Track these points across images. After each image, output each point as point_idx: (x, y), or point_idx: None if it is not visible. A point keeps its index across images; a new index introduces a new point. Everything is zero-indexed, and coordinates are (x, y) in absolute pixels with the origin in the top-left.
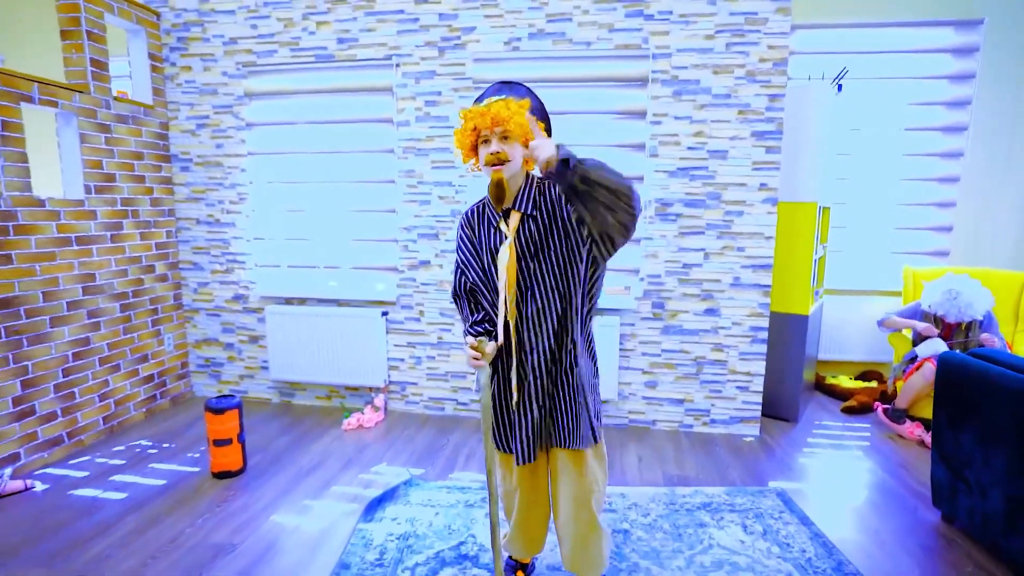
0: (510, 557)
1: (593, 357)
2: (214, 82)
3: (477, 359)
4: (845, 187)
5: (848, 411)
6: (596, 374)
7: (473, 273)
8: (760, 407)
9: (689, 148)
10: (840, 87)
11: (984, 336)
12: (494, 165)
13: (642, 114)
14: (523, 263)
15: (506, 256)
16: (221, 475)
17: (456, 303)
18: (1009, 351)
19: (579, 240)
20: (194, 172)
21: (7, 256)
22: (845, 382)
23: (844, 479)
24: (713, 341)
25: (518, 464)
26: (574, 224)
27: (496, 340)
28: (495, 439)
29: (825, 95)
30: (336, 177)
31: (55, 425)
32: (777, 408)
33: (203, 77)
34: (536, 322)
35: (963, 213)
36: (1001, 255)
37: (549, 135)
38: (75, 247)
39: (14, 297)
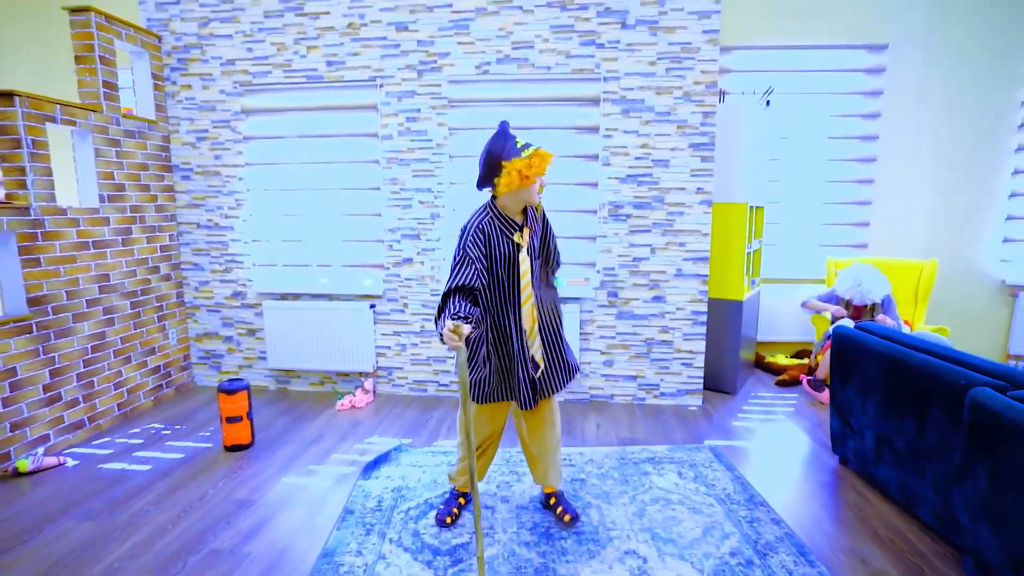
0: (455, 488)
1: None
2: (212, 99)
3: (455, 340)
4: (778, 188)
5: (781, 384)
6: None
7: (481, 274)
8: (702, 381)
9: (636, 158)
10: (768, 103)
11: (879, 316)
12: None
13: (595, 129)
14: (534, 260)
15: (525, 260)
16: (233, 448)
17: (449, 297)
18: (908, 328)
19: (544, 242)
20: (195, 181)
21: (36, 259)
22: (781, 360)
23: (768, 437)
24: (660, 324)
25: (523, 409)
26: (547, 233)
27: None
28: (498, 394)
29: (753, 110)
30: (327, 185)
31: (78, 410)
32: (718, 382)
33: (202, 95)
34: (543, 303)
35: (878, 211)
36: (909, 247)
37: None
38: (92, 250)
39: (43, 296)
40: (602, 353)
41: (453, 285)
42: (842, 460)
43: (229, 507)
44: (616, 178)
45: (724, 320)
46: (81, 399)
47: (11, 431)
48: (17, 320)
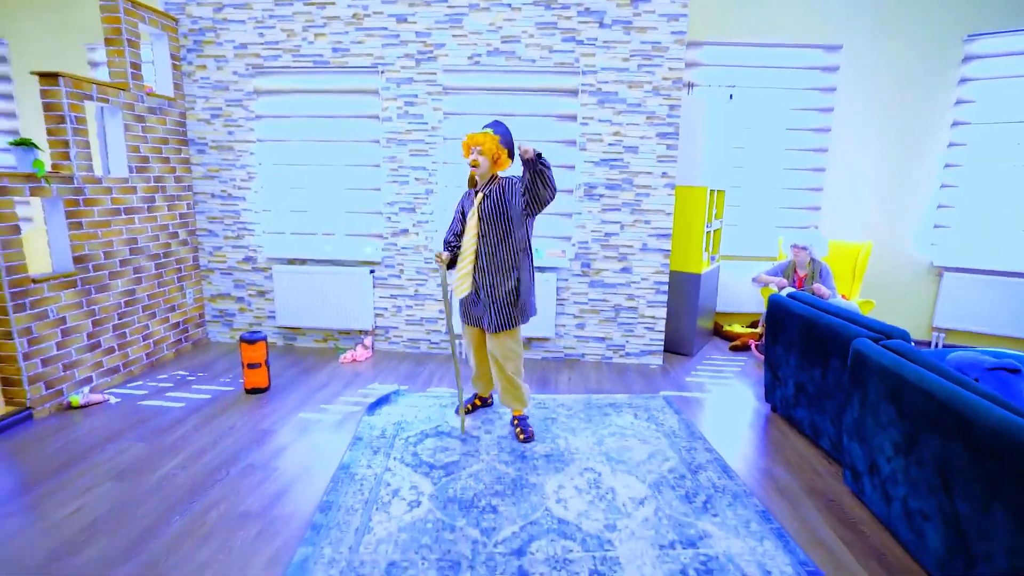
0: (474, 394)
1: (529, 286)
2: (226, 79)
3: (438, 260)
4: (740, 174)
5: (734, 349)
6: (531, 292)
7: (457, 224)
8: (663, 343)
9: (609, 144)
10: (731, 96)
11: (815, 286)
12: (472, 167)
13: (574, 118)
14: (483, 221)
15: (473, 216)
16: (253, 391)
17: (447, 234)
18: (843, 299)
19: (516, 210)
20: (209, 154)
21: (79, 223)
22: (738, 329)
23: (715, 390)
24: (627, 292)
25: (471, 326)
26: (516, 200)
27: (451, 253)
28: (464, 316)
29: (717, 103)
30: (331, 161)
31: (114, 357)
32: (677, 345)
33: (216, 75)
34: (489, 253)
35: (828, 196)
36: (854, 229)
37: (511, 151)
38: (123, 216)
39: (85, 255)
40: (575, 317)
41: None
42: (772, 408)
43: (256, 434)
44: (591, 162)
45: (684, 290)
46: (116, 347)
47: (63, 371)
48: (66, 276)
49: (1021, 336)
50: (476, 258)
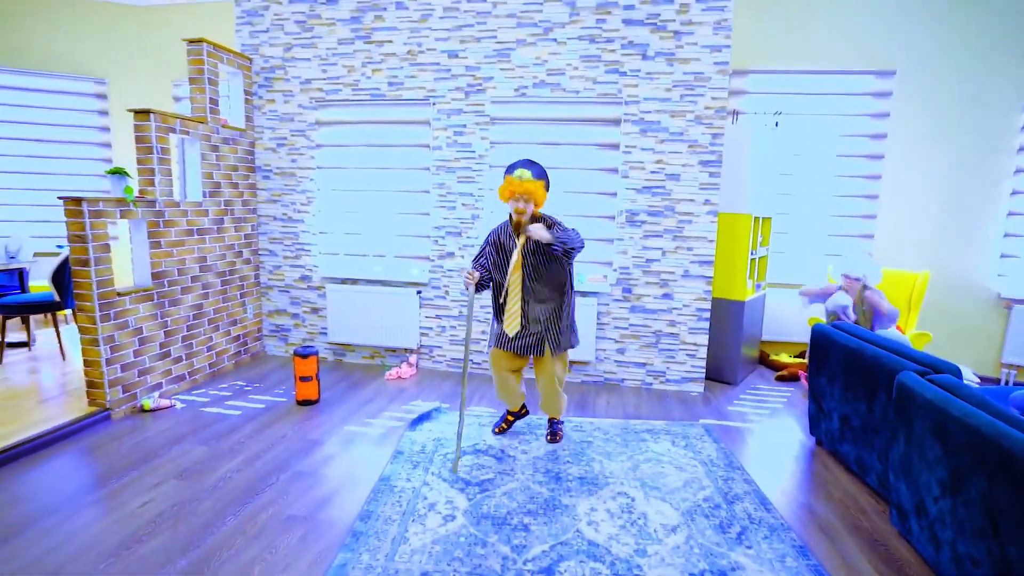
0: (506, 411)
1: (571, 309)
2: (291, 112)
3: (467, 279)
4: (788, 201)
5: (781, 379)
6: (572, 318)
7: (487, 259)
8: (704, 371)
9: (651, 172)
10: (777, 124)
11: (867, 293)
12: (518, 214)
13: (616, 146)
14: (526, 261)
15: (515, 257)
16: (303, 403)
17: (473, 263)
18: (897, 331)
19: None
20: (273, 180)
21: (158, 242)
22: (785, 358)
23: (758, 421)
24: (668, 319)
25: (512, 353)
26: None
27: (491, 289)
28: (504, 344)
29: (762, 130)
30: (384, 187)
31: (181, 366)
32: (720, 373)
33: (283, 108)
34: (538, 288)
35: (881, 224)
36: (910, 259)
37: (547, 190)
38: (195, 236)
39: (161, 271)
40: (616, 342)
41: (473, 261)
42: (818, 441)
43: (305, 444)
44: (633, 189)
45: (727, 318)
46: (184, 356)
47: (138, 376)
48: (145, 290)
49: None
50: (524, 294)
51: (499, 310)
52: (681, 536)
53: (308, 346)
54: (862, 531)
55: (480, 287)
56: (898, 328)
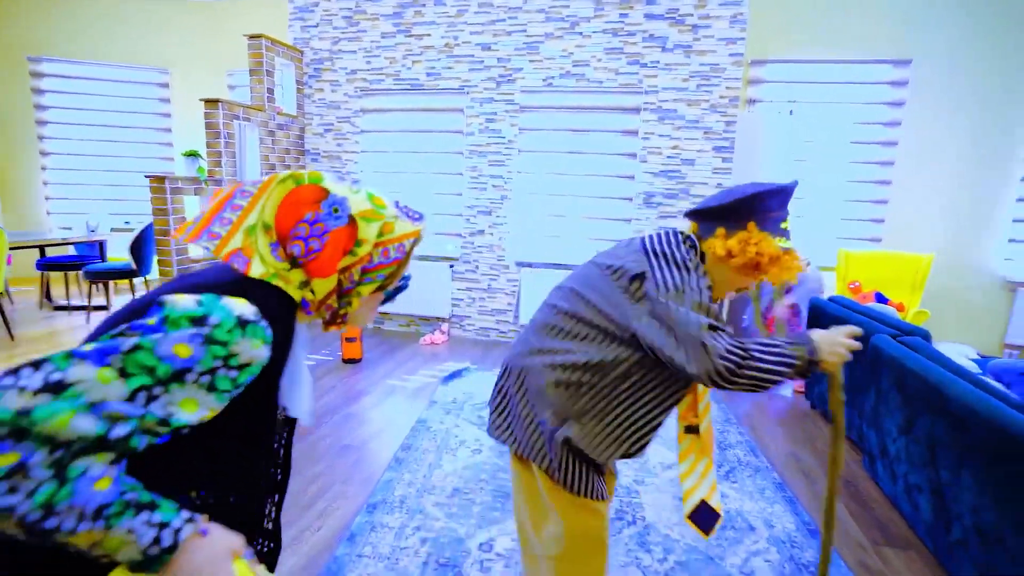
0: None
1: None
2: (338, 100)
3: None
4: (801, 186)
5: None
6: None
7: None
8: None
9: (668, 157)
10: (792, 112)
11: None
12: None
13: (635, 132)
14: None
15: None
16: (348, 361)
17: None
18: (892, 306)
19: None
20: (321, 163)
21: None
22: None
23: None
24: None
25: None
26: None
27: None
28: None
29: (777, 118)
30: (421, 169)
31: None
32: None
33: (331, 96)
34: None
35: (892, 209)
36: (920, 243)
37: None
38: None
39: None
40: None
41: (710, 322)
42: (812, 405)
43: (354, 393)
44: (651, 173)
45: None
46: None
47: None
48: (213, 259)
49: None
50: None
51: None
52: (674, 472)
53: None
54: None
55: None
56: (896, 306)
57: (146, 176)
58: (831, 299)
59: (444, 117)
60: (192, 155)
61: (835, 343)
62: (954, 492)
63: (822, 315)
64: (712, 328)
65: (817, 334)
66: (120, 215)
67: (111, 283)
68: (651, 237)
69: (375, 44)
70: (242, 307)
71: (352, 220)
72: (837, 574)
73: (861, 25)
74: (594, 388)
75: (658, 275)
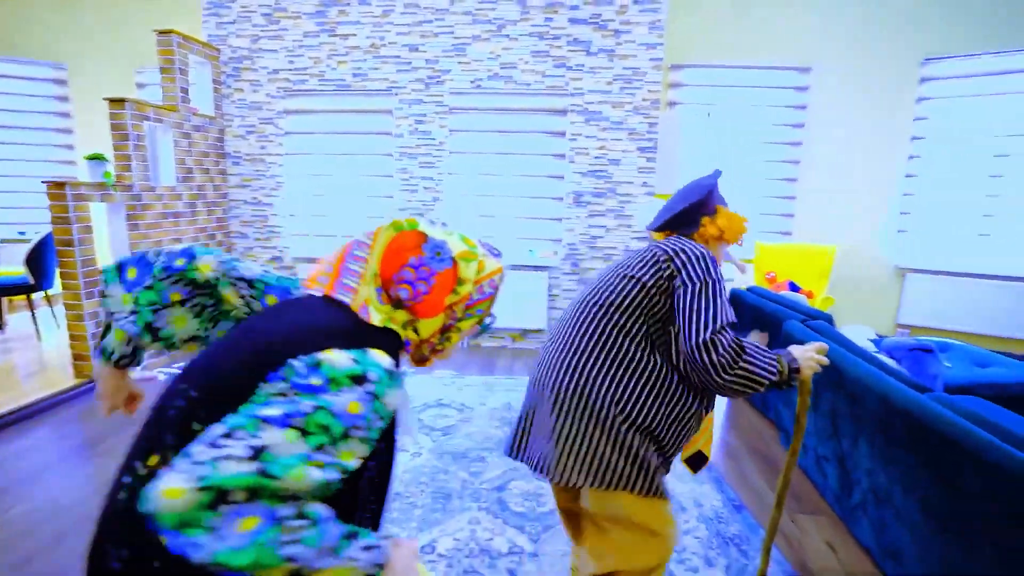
0: None
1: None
2: (260, 101)
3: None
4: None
5: None
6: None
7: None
8: None
9: (595, 157)
10: (709, 114)
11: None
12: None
13: (563, 134)
14: None
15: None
16: None
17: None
18: (803, 294)
19: None
20: (243, 166)
21: (136, 224)
22: None
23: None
24: None
25: None
26: None
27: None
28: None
29: (695, 119)
30: (350, 172)
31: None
32: None
33: (252, 97)
34: None
35: (800, 204)
36: (825, 234)
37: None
38: (170, 220)
39: None
40: None
41: (729, 319)
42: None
43: None
44: (579, 173)
45: None
46: None
47: None
48: None
49: (975, 331)
50: None
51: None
52: None
53: None
54: (759, 453)
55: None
56: (806, 293)
57: (43, 182)
58: (750, 289)
59: (372, 119)
60: (97, 159)
61: (809, 356)
62: (854, 460)
63: (741, 304)
64: (723, 328)
65: (794, 348)
66: (12, 224)
67: (3, 299)
68: (664, 243)
69: (298, 43)
70: (386, 360)
71: (454, 261)
72: (758, 542)
73: (768, 33)
74: (652, 391)
75: (690, 268)
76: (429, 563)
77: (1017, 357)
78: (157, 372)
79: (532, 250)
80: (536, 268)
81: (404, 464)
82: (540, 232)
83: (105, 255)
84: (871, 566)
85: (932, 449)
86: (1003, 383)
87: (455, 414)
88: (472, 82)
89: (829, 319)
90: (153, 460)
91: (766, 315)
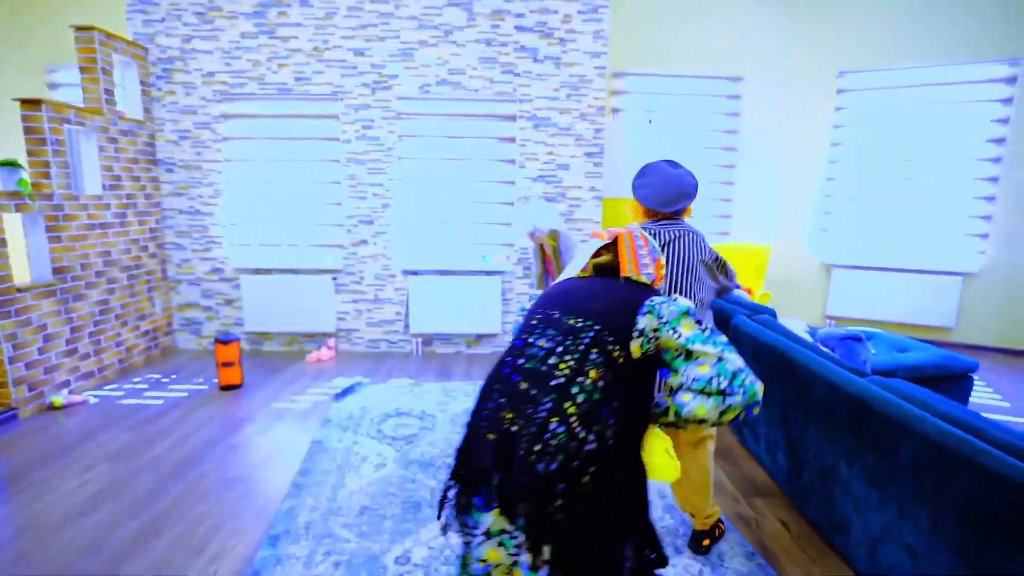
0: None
1: None
2: (194, 104)
3: None
4: None
5: None
6: None
7: None
8: None
9: (545, 162)
10: (651, 121)
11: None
12: None
13: (513, 139)
14: None
15: None
16: (227, 388)
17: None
18: (747, 294)
19: None
20: (178, 173)
21: (58, 236)
22: None
23: None
24: None
25: None
26: None
27: None
28: None
29: (638, 126)
30: (296, 178)
31: (89, 362)
32: None
33: (185, 100)
34: None
35: (736, 206)
36: (760, 234)
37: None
38: (98, 231)
39: (63, 267)
40: (518, 315)
41: None
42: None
43: (236, 421)
44: (529, 178)
45: None
46: (92, 353)
47: (44, 374)
48: (46, 286)
49: (894, 320)
50: None
51: None
52: None
53: (228, 333)
54: (718, 448)
55: None
56: (746, 290)
57: None
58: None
59: (318, 124)
60: (10, 165)
61: None
62: (803, 443)
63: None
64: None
65: None
66: None
67: None
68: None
69: (234, 45)
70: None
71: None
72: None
73: (703, 45)
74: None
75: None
76: (404, 574)
77: (931, 343)
78: (86, 396)
79: (485, 256)
80: (489, 273)
81: (369, 476)
82: (492, 237)
83: (23, 270)
84: (820, 541)
85: (872, 427)
86: (921, 365)
87: (416, 422)
88: (420, 87)
89: (772, 313)
90: (594, 374)
91: (716, 312)
